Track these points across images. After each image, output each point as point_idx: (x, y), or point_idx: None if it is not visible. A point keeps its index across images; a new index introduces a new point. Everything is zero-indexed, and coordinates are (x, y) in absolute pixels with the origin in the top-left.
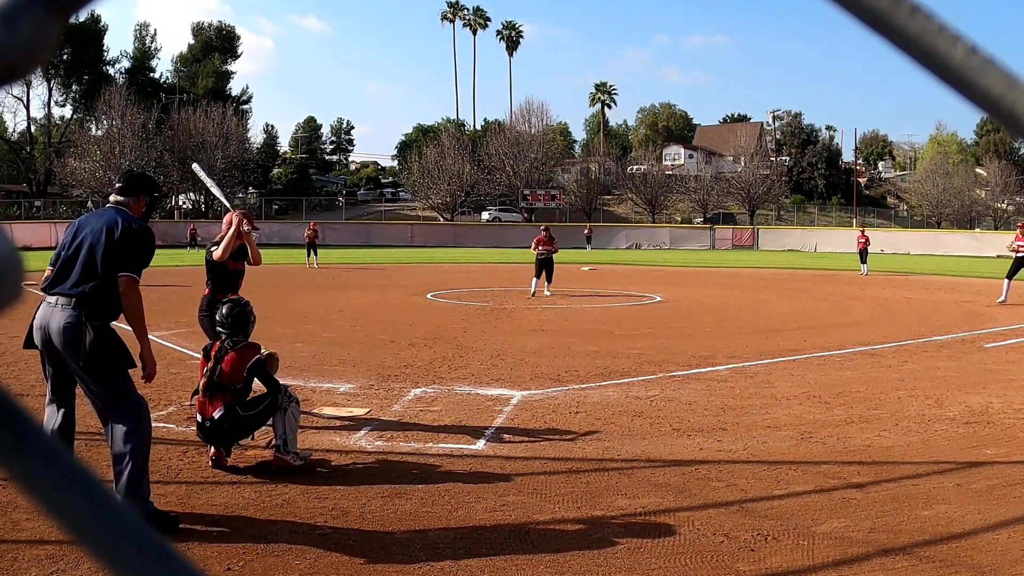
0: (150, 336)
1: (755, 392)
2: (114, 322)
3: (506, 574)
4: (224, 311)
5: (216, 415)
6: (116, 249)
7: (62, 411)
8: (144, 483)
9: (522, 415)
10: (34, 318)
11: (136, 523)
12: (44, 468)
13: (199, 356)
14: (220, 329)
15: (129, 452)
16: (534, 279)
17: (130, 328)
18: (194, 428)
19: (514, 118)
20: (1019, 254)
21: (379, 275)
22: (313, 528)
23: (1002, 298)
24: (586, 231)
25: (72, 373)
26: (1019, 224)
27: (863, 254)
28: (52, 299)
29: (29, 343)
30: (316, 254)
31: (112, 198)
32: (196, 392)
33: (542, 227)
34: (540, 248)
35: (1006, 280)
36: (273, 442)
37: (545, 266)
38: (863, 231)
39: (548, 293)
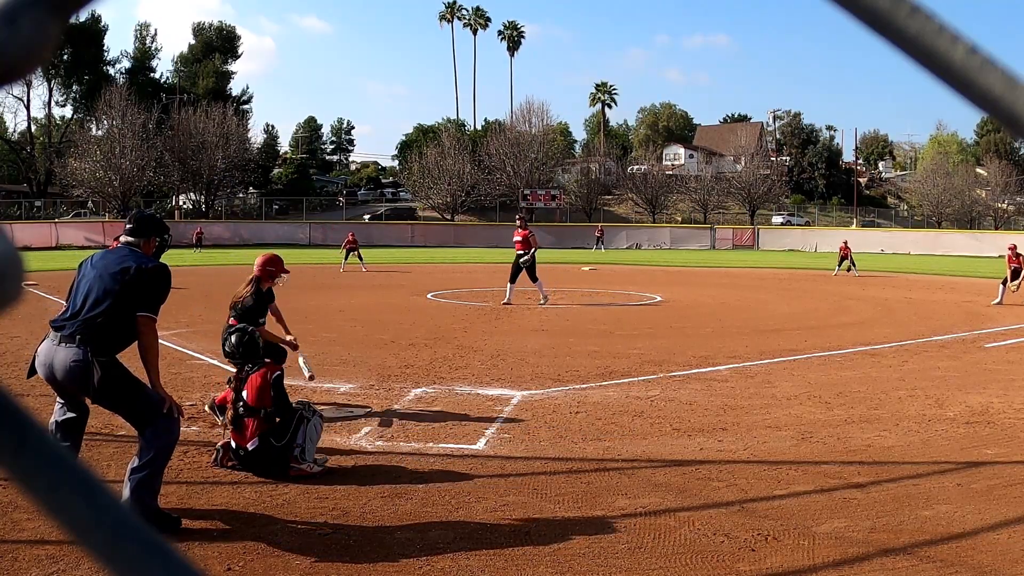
0: None
1: (755, 392)
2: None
3: (506, 574)
4: (233, 341)
5: (251, 447)
6: (129, 289)
7: (72, 413)
8: (156, 483)
9: (522, 415)
10: (36, 353)
11: (136, 523)
12: (44, 468)
13: (200, 356)
14: (232, 360)
15: (153, 453)
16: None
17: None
18: (195, 428)
19: (514, 118)
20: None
21: (379, 275)
22: (313, 528)
23: (997, 300)
24: (597, 232)
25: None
26: (1010, 247)
27: (843, 260)
28: (55, 335)
29: (32, 373)
30: (348, 258)
31: (122, 239)
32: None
33: (517, 217)
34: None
35: (1001, 285)
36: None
37: (523, 267)
38: (846, 242)
39: (541, 302)
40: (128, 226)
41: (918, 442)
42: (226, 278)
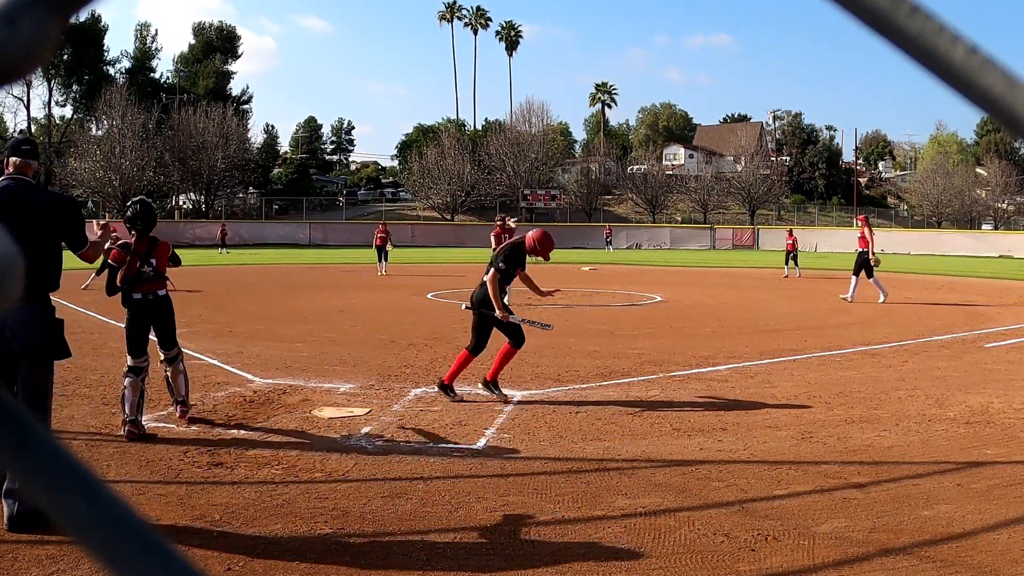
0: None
1: (755, 392)
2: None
3: (506, 574)
4: (138, 208)
5: (161, 294)
6: (65, 225)
7: None
8: None
9: (522, 415)
10: None
11: (136, 523)
12: (44, 468)
13: (200, 357)
14: (132, 227)
15: None
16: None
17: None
18: (195, 428)
19: (514, 118)
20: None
21: (379, 275)
22: (313, 528)
23: (883, 298)
24: (606, 232)
25: (14, 374)
26: (860, 217)
27: (789, 255)
28: None
29: None
30: (386, 259)
31: (14, 163)
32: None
33: (497, 217)
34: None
35: (872, 281)
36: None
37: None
38: (791, 231)
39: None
40: (24, 148)
41: (918, 442)
42: (236, 278)
